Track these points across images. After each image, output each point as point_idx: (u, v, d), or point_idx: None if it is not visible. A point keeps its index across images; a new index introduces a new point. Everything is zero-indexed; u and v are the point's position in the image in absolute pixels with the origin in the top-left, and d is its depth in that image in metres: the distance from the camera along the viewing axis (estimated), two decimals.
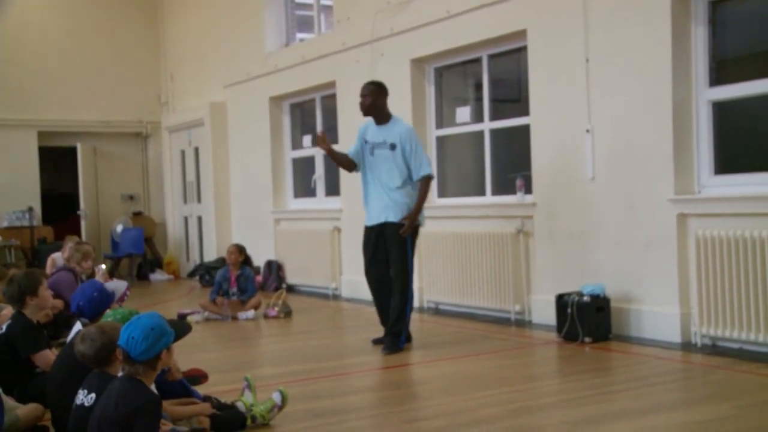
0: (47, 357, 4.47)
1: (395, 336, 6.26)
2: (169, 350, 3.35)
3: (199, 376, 4.68)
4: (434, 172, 6.37)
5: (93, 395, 3.39)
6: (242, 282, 8.60)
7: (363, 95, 6.41)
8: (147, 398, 3.21)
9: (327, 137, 6.41)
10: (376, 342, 6.44)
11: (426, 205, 8.42)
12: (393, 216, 6.28)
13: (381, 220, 6.34)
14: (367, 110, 6.43)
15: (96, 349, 3.46)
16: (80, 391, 3.48)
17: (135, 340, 3.21)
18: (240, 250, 8.71)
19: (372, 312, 6.85)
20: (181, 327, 3.58)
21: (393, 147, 6.28)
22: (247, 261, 8.79)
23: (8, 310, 5.11)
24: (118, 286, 4.87)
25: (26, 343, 4.46)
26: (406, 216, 6.27)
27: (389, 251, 6.31)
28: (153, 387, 3.43)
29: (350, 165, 6.52)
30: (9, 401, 4.06)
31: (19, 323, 4.54)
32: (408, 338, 6.40)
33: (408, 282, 6.29)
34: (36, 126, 13.34)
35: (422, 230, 8.34)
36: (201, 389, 4.38)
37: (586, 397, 4.65)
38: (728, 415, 4.16)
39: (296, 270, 10.72)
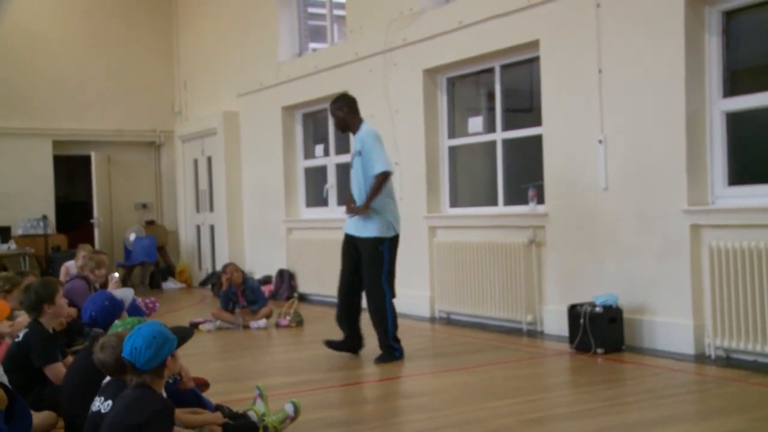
0: (58, 370, 4.47)
1: (388, 347, 6.24)
2: (173, 356, 3.36)
3: (199, 385, 4.68)
4: (391, 167, 6.18)
5: (110, 402, 3.40)
6: (249, 294, 8.62)
7: (333, 115, 6.45)
8: (161, 405, 3.23)
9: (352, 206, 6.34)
10: (330, 344, 6.45)
11: (436, 214, 8.52)
12: (362, 231, 6.25)
13: (352, 232, 6.35)
14: (342, 129, 6.48)
15: (116, 357, 3.47)
16: (97, 398, 3.50)
17: (138, 350, 3.22)
18: (236, 268, 8.75)
19: None
20: (183, 332, 3.58)
21: (359, 153, 6.28)
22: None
23: (23, 318, 5.14)
24: (125, 293, 4.90)
25: (41, 354, 4.48)
26: (356, 207, 6.20)
27: (362, 266, 6.29)
28: (164, 395, 3.44)
29: None
30: None
31: (36, 333, 4.55)
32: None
33: (383, 296, 6.23)
34: (50, 135, 13.44)
35: (434, 239, 8.44)
36: (213, 398, 4.39)
37: (598, 408, 4.63)
38: (742, 428, 4.14)
39: (308, 279, 10.73)
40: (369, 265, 6.23)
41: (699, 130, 6.02)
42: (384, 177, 6.14)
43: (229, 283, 8.64)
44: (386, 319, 6.22)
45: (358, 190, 6.30)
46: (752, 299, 5.49)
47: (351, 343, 6.45)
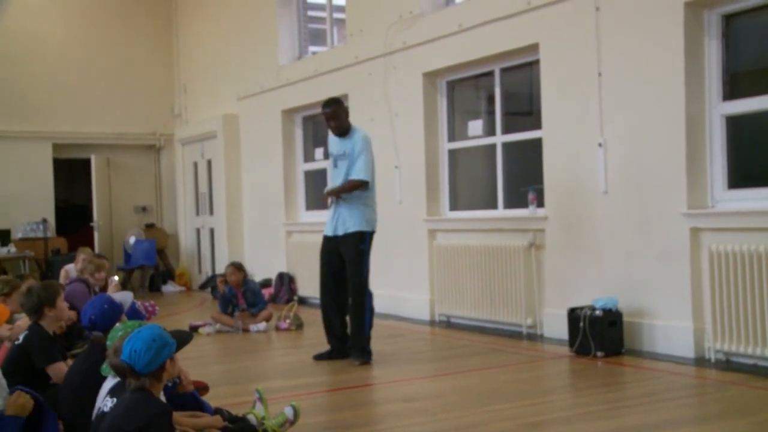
0: (60, 369, 4.49)
1: (361, 348, 6.29)
2: (172, 360, 3.36)
3: (199, 388, 4.68)
4: (369, 179, 6.30)
5: None
6: (249, 297, 8.62)
7: (329, 119, 6.48)
8: (159, 409, 3.22)
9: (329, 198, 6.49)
10: (319, 358, 6.47)
11: (436, 218, 8.52)
12: (342, 228, 6.33)
13: (337, 232, 6.39)
14: (339, 131, 6.51)
15: None
16: (108, 399, 3.49)
17: (137, 353, 3.22)
18: (238, 268, 8.74)
19: (383, 325, 6.85)
20: (182, 336, 3.58)
21: (346, 156, 6.38)
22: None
23: (23, 321, 5.14)
24: (124, 297, 4.90)
25: (42, 355, 4.49)
26: (329, 190, 6.41)
27: (345, 264, 6.34)
28: (162, 398, 3.43)
29: None
30: None
31: (36, 335, 4.57)
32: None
33: (366, 296, 6.30)
34: (50, 138, 13.44)
35: (434, 242, 8.44)
36: (212, 402, 4.38)
37: (598, 411, 4.63)
38: (742, 431, 4.13)
39: (308, 282, 10.71)
40: (353, 264, 6.29)
41: (699, 133, 6.03)
42: (362, 185, 6.28)
43: (226, 285, 8.64)
44: (364, 319, 6.29)
45: None
46: (752, 302, 5.49)
47: (340, 350, 6.46)
